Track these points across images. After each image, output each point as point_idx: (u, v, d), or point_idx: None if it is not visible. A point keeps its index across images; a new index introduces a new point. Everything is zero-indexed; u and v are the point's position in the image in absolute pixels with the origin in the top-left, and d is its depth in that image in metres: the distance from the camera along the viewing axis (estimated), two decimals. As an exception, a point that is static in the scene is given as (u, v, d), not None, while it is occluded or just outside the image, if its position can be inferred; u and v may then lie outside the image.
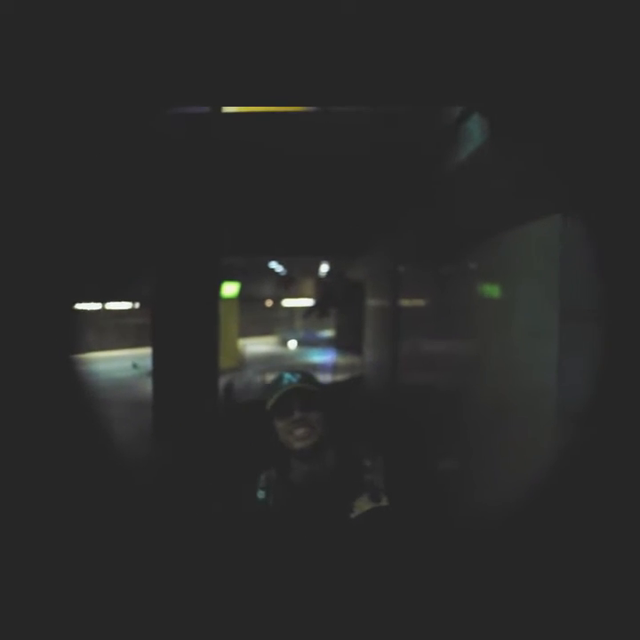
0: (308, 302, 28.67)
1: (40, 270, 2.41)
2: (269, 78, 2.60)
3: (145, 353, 10.95)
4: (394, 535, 1.61)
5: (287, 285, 27.53)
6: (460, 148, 3.47)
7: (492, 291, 4.08)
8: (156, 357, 8.79)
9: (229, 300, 19.16)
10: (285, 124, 4.61)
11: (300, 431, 1.66)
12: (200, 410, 8.35)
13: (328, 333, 28.39)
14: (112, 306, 21.22)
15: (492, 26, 2.06)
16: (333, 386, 12.99)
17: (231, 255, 12.45)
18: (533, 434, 3.12)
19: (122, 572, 2.69)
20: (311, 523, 1.65)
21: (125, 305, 21.69)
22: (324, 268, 21.72)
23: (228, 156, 5.13)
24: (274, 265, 21.77)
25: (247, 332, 25.02)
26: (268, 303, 31.37)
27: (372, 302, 12.85)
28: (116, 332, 21.21)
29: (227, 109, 4.51)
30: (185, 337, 8.40)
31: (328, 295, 23.14)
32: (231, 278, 18.49)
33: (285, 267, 22.94)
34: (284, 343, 29.66)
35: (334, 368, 18.88)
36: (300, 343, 29.04)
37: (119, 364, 15.77)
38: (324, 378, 13.73)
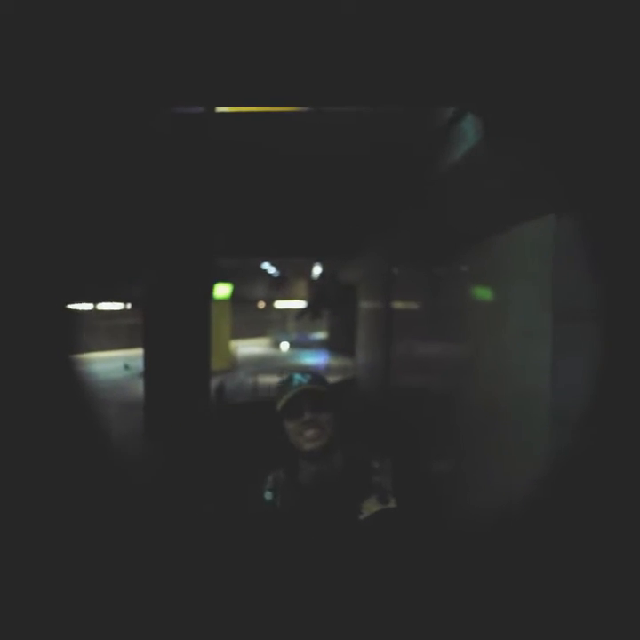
0: (300, 304, 28.69)
1: (36, 269, 2.40)
2: (266, 78, 2.59)
3: (137, 354, 10.90)
4: (402, 537, 1.61)
5: (280, 287, 27.56)
6: (454, 148, 3.47)
7: (486, 292, 4.07)
8: (147, 358, 8.77)
9: (221, 301, 19.14)
10: (277, 124, 4.60)
11: (310, 432, 1.65)
12: (191, 411, 8.34)
13: (320, 335, 28.42)
14: (104, 306, 21.12)
15: (487, 27, 2.05)
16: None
17: (224, 256, 12.44)
18: (527, 435, 3.11)
19: (115, 570, 2.68)
20: (319, 524, 1.64)
21: (117, 306, 21.60)
22: (317, 270, 21.74)
23: (221, 156, 5.12)
24: (266, 266, 21.78)
25: (239, 334, 24.97)
26: (261, 305, 31.34)
27: (364, 304, 12.85)
28: (107, 333, 21.09)
29: (220, 109, 4.49)
30: (177, 338, 8.38)
31: (321, 297, 23.16)
32: (223, 279, 18.48)
33: (278, 268, 22.96)
34: (276, 345, 29.65)
35: (326, 370, 18.87)
36: (292, 345, 29.04)
37: (111, 365, 15.69)
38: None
